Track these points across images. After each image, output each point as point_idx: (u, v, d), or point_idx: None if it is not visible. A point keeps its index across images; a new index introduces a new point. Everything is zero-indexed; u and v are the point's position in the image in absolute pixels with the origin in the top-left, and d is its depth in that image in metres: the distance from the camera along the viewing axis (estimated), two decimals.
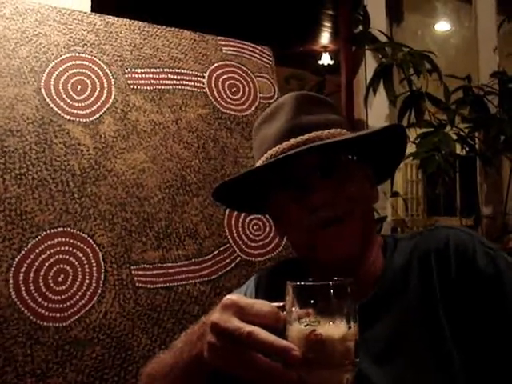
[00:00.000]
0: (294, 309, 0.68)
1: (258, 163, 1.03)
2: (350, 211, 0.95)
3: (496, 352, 0.90)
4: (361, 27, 2.54)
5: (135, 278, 1.52)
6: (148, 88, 1.70)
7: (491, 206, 2.62)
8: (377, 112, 2.51)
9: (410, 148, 2.41)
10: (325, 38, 4.51)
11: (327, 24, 4.15)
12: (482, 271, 0.92)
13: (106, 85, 1.64)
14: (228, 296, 0.74)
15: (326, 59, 4.58)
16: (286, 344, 0.66)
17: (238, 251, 1.68)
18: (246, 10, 3.42)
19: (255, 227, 1.73)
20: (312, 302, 0.67)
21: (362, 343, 0.90)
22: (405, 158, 2.34)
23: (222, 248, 1.66)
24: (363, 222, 0.98)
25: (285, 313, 0.70)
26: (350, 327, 0.67)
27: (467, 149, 2.48)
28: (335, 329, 0.66)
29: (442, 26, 3.23)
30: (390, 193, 2.47)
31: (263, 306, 0.71)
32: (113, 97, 1.64)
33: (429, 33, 3.16)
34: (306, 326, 0.66)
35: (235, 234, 1.69)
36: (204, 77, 1.81)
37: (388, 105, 2.49)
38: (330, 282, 0.67)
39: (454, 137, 2.41)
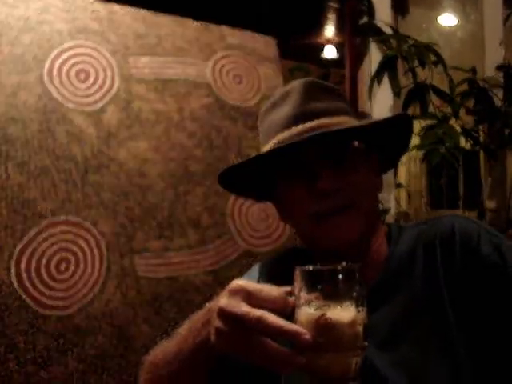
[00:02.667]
0: (302, 293, 0.68)
1: (266, 148, 1.02)
2: (355, 199, 0.95)
3: (500, 338, 0.90)
4: (366, 18, 2.52)
5: (137, 267, 1.52)
6: (151, 77, 1.69)
7: (495, 200, 2.61)
8: (381, 104, 2.49)
9: (414, 140, 2.40)
10: (329, 30, 4.49)
11: (331, 17, 4.12)
12: (487, 258, 0.92)
13: (109, 73, 1.63)
14: (235, 281, 0.73)
15: (329, 52, 4.55)
16: (297, 328, 0.66)
17: (240, 241, 1.68)
18: (251, 2, 3.41)
19: (258, 217, 1.72)
20: (321, 286, 0.67)
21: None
22: (409, 149, 2.34)
23: (224, 238, 1.66)
24: (367, 210, 0.98)
25: (293, 297, 0.69)
26: (358, 311, 0.67)
27: (471, 142, 2.47)
28: (344, 313, 0.66)
29: (448, 18, 3.21)
30: (394, 185, 2.46)
31: (272, 290, 0.70)
32: (116, 86, 1.63)
33: (434, 25, 3.15)
34: (315, 310, 0.66)
35: (238, 224, 1.69)
36: (208, 66, 1.80)
37: (392, 97, 2.47)
38: (339, 266, 0.67)
39: (459, 129, 2.39)
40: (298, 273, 0.69)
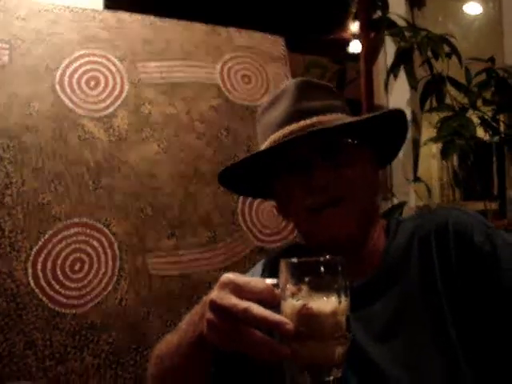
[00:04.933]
0: (287, 285, 0.71)
1: (262, 147, 1.06)
2: (348, 193, 0.97)
3: (494, 329, 0.91)
4: (379, 12, 2.52)
5: (150, 266, 1.57)
6: (160, 81, 1.74)
7: None
8: (398, 97, 2.48)
9: (432, 132, 2.38)
10: (354, 25, 4.46)
11: (347, 12, 4.11)
12: (479, 248, 0.93)
13: (118, 79, 1.69)
14: (226, 274, 0.76)
15: (354, 47, 4.53)
16: (280, 318, 0.69)
17: (251, 238, 1.71)
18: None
19: (268, 214, 1.75)
20: (304, 278, 0.70)
21: (363, 321, 0.92)
22: (425, 143, 2.32)
23: (235, 235, 1.69)
24: (362, 204, 1.00)
25: (279, 289, 0.72)
26: (340, 302, 0.69)
27: (491, 132, 2.43)
28: (326, 303, 0.69)
29: (466, 8, 3.16)
30: (413, 178, 2.44)
31: (259, 283, 0.74)
32: (126, 91, 1.69)
33: (452, 16, 3.10)
34: (298, 301, 0.69)
35: (248, 222, 1.72)
36: (216, 68, 1.84)
37: (409, 89, 2.46)
38: (321, 259, 0.70)
39: (477, 120, 2.36)
40: (283, 265, 0.72)
